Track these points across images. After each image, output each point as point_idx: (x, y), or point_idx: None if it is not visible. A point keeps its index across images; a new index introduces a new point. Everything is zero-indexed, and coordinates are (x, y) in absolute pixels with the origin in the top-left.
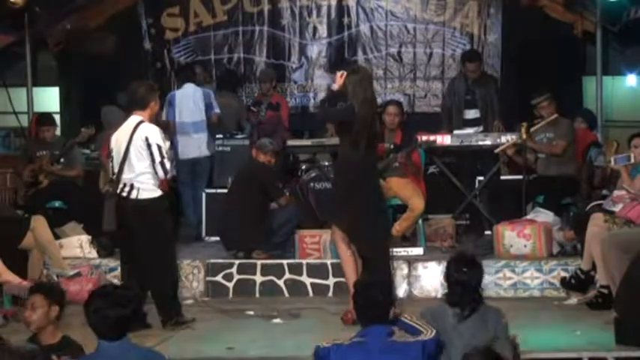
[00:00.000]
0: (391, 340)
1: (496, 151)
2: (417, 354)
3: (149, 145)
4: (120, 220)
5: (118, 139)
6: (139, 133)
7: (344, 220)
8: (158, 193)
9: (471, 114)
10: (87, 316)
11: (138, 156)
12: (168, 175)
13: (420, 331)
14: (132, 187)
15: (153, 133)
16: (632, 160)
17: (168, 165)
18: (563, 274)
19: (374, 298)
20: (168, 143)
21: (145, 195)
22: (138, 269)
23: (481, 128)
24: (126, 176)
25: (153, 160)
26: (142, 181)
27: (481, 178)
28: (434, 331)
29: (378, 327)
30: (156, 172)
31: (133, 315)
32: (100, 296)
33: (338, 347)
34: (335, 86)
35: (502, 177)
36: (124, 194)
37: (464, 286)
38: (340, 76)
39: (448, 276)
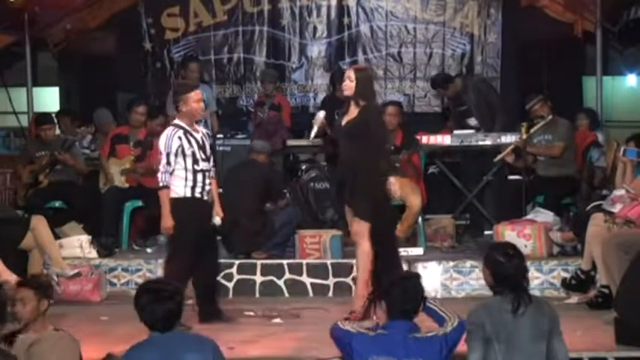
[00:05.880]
0: (412, 336)
1: (495, 160)
2: (436, 349)
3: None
4: None
5: None
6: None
7: (381, 213)
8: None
9: (472, 122)
10: (137, 311)
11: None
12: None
13: (444, 319)
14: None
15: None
16: None
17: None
18: (564, 274)
19: (411, 292)
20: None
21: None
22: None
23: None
24: None
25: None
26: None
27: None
28: (457, 320)
29: (403, 322)
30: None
31: (179, 307)
32: (146, 292)
33: (362, 336)
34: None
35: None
36: None
37: (503, 274)
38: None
39: (490, 264)
